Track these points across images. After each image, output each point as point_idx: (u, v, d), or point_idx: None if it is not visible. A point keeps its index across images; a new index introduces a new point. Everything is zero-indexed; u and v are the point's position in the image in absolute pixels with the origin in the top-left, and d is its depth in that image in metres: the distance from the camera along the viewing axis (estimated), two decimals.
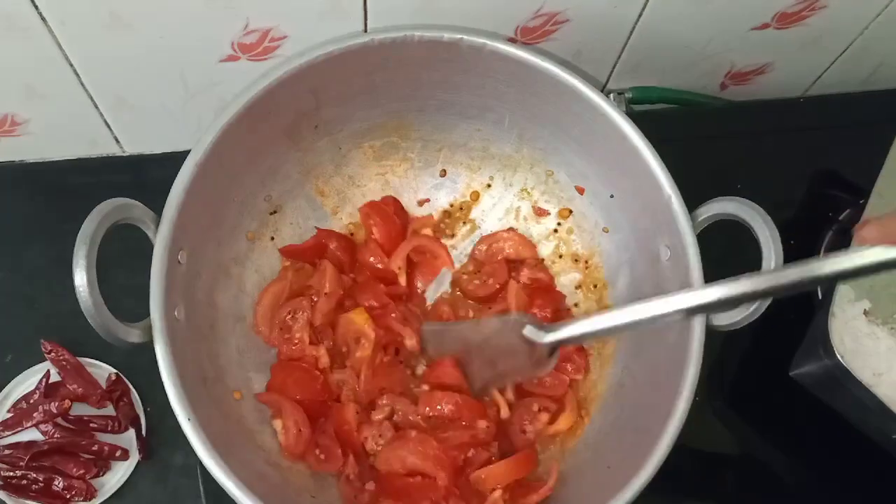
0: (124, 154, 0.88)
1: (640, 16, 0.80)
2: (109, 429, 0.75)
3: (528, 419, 0.75)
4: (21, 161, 0.86)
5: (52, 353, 0.75)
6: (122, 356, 0.77)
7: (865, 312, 0.69)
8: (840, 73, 0.96)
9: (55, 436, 0.74)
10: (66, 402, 0.74)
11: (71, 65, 0.73)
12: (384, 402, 0.74)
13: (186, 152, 0.66)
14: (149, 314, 0.62)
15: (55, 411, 0.74)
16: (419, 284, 0.83)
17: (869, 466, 0.78)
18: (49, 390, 0.75)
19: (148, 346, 0.61)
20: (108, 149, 0.87)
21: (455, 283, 0.83)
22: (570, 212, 0.82)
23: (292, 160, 0.78)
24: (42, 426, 0.74)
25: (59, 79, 0.74)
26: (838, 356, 0.67)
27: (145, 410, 0.76)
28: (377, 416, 0.74)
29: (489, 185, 0.84)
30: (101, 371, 0.77)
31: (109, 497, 0.73)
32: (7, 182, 0.86)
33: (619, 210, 0.77)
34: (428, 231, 0.83)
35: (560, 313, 0.80)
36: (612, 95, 0.91)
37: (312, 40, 0.71)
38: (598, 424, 0.74)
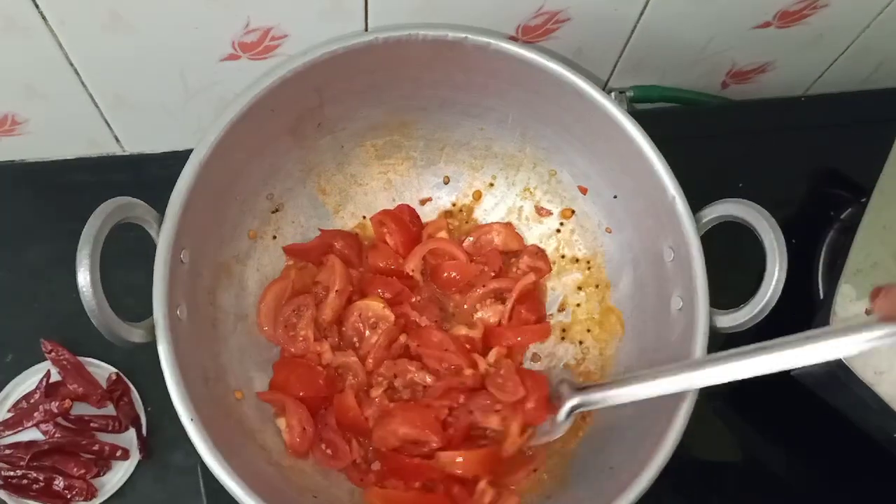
0: (124, 153, 0.88)
1: (641, 14, 0.80)
2: (110, 428, 0.75)
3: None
4: (21, 160, 0.86)
5: (53, 353, 0.75)
6: (122, 356, 0.76)
7: (867, 311, 0.69)
8: (841, 72, 0.96)
9: (56, 435, 0.74)
10: (67, 402, 0.74)
11: (71, 64, 0.73)
12: (381, 372, 0.74)
13: (187, 151, 0.65)
14: (148, 314, 0.61)
15: (56, 411, 0.73)
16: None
17: (870, 465, 0.78)
18: (49, 390, 0.75)
19: (148, 346, 0.61)
20: (108, 148, 0.87)
21: None
22: (573, 212, 0.82)
23: (294, 158, 0.78)
24: (42, 426, 0.74)
25: (60, 78, 0.74)
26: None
27: (146, 410, 0.76)
28: (375, 392, 0.74)
29: (492, 185, 0.84)
30: (102, 371, 0.77)
31: (110, 497, 0.73)
32: (7, 181, 0.85)
33: (623, 210, 0.77)
34: (443, 234, 0.83)
35: (542, 322, 0.80)
36: (613, 94, 0.91)
37: (313, 39, 0.70)
38: (600, 426, 0.74)
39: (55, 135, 0.83)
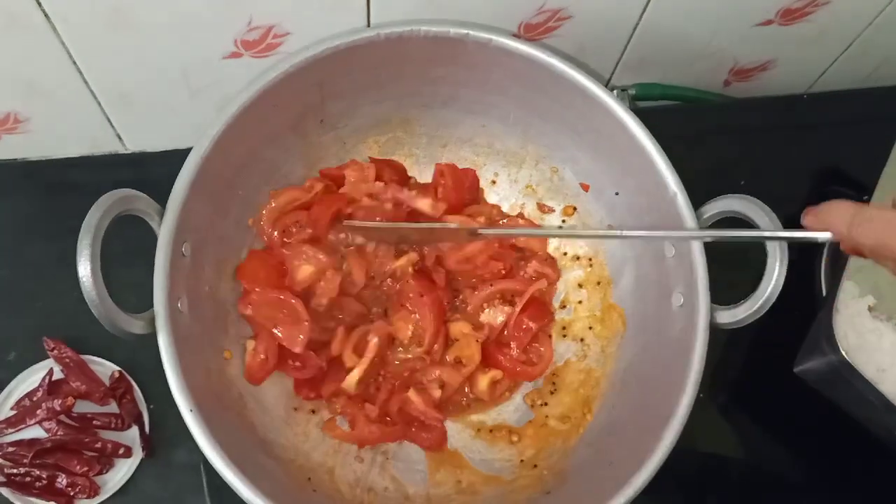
0: (127, 151, 0.88)
1: (643, 12, 0.79)
2: (113, 426, 0.75)
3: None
4: (23, 159, 0.86)
5: (55, 351, 0.75)
6: (125, 353, 0.77)
7: (870, 308, 0.69)
8: (844, 70, 0.96)
9: (58, 433, 0.74)
10: (70, 400, 0.74)
11: (74, 62, 0.73)
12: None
13: (189, 150, 0.66)
14: (150, 309, 0.61)
15: (58, 409, 0.73)
16: None
17: (873, 463, 0.78)
18: (52, 388, 0.75)
19: (150, 342, 0.61)
20: (110, 146, 0.87)
21: None
22: (575, 209, 0.82)
23: (296, 154, 0.78)
24: (45, 423, 0.74)
25: (62, 76, 0.74)
26: (842, 352, 0.67)
27: (148, 408, 0.76)
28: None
29: (494, 182, 0.84)
30: (105, 368, 0.77)
31: (113, 494, 0.73)
32: (9, 180, 0.85)
33: (624, 207, 0.77)
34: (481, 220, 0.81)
35: (545, 331, 0.80)
36: (615, 92, 0.91)
37: (316, 37, 0.70)
38: (601, 421, 0.74)
39: (57, 133, 0.83)
